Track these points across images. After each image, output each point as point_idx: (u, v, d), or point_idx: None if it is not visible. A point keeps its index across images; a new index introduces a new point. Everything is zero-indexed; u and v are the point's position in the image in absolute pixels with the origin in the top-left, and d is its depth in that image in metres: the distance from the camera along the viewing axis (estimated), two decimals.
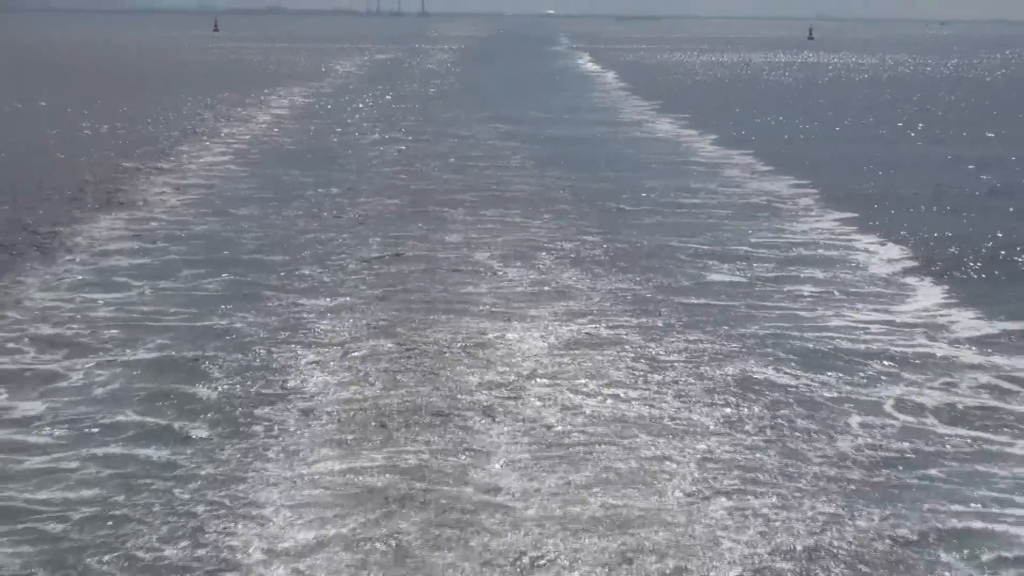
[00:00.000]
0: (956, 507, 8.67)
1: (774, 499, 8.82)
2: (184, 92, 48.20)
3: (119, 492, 8.94)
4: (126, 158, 28.38)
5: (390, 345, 12.93)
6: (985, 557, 7.95)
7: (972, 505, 8.70)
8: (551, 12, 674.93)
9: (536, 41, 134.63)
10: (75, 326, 13.62)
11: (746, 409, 10.88)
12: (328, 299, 14.87)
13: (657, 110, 43.96)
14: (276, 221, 20.45)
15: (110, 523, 8.41)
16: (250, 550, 7.94)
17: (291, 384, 11.59)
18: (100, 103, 42.95)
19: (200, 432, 10.32)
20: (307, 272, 16.49)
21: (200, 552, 7.91)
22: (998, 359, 12.44)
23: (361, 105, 45.69)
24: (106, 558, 7.84)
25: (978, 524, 8.41)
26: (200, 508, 8.63)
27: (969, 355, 12.61)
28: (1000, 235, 19.32)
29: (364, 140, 33.70)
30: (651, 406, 11.00)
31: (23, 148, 30.42)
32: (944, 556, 7.90)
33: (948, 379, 11.83)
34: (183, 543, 8.02)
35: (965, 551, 7.96)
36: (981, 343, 12.99)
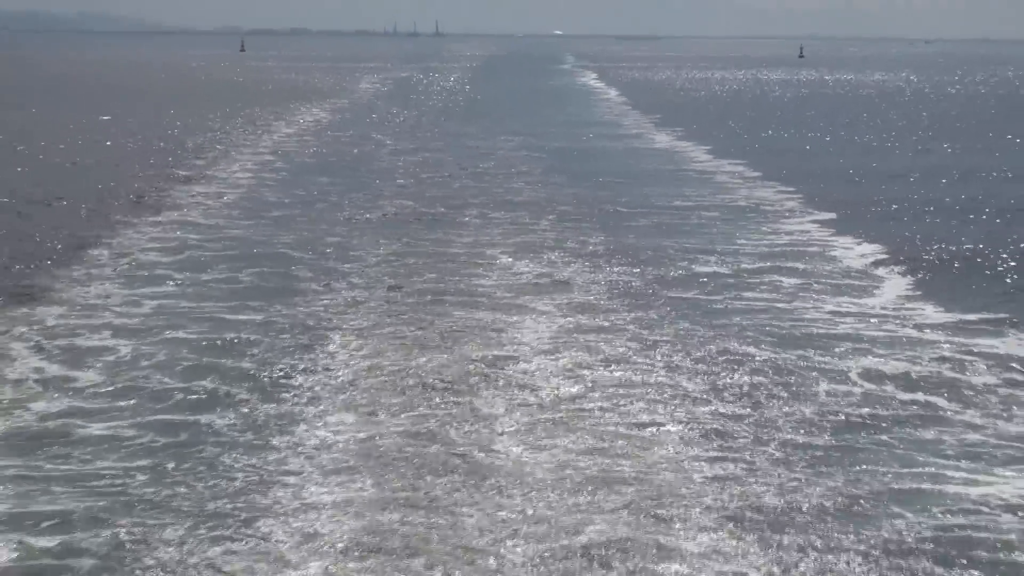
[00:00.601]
0: (910, 469, 9.04)
1: (748, 458, 9.27)
2: (216, 108, 48.01)
3: (167, 451, 9.36)
4: (165, 166, 28.59)
5: (407, 327, 13.27)
6: (934, 513, 8.27)
7: (925, 468, 9.05)
8: (558, 32, 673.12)
9: (544, 60, 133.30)
10: (126, 313, 13.95)
11: (727, 379, 11.34)
12: (350, 290, 15.19)
13: (656, 124, 43.72)
14: (302, 222, 20.65)
15: (160, 477, 8.84)
16: (282, 502, 8.36)
17: (319, 360, 11.98)
18: (141, 119, 43.00)
19: (238, 400, 10.73)
20: (331, 266, 16.77)
21: (238, 505, 8.31)
22: (955, 340, 12.79)
23: (380, 119, 45.49)
24: (156, 511, 8.23)
25: (928, 485, 8.74)
26: (237, 466, 9.07)
27: (929, 337, 12.98)
28: (964, 238, 19.50)
29: (383, 150, 33.64)
30: (642, 378, 11.40)
31: (70, 160, 30.54)
32: (897, 513, 8.22)
33: (909, 355, 12.24)
34: (223, 497, 8.45)
35: (917, 508, 8.30)
36: (941, 328, 13.35)
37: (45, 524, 8.05)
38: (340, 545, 7.74)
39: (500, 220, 20.94)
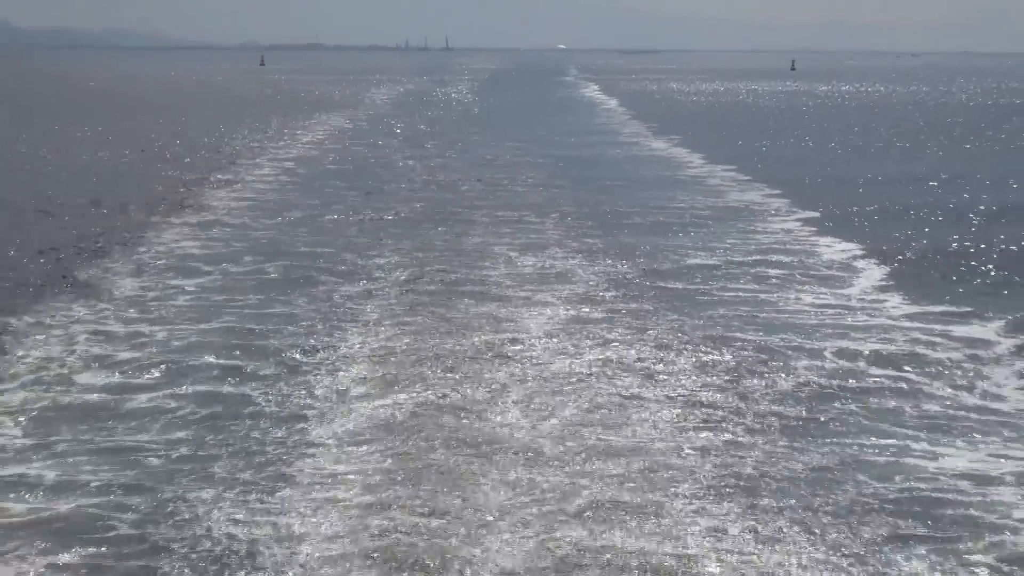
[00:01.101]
0: (876, 439, 9.44)
1: (730, 428, 9.68)
2: (239, 118, 47.99)
3: (204, 422, 9.76)
4: (197, 171, 28.74)
5: (420, 314, 13.59)
6: (896, 480, 8.61)
7: (890, 439, 9.44)
8: (562, 46, 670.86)
9: (548, 73, 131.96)
10: (165, 300, 14.34)
11: (714, 358, 11.72)
12: (368, 282, 15.45)
13: (653, 132, 43.46)
14: (321, 221, 20.90)
15: (197, 446, 9.22)
16: (305, 470, 8.73)
17: (339, 342, 12.33)
18: (172, 129, 43.05)
19: (266, 376, 11.11)
20: (348, 259, 17.04)
21: (268, 471, 8.70)
22: (922, 327, 13.12)
23: (394, 128, 45.36)
24: (192, 476, 8.62)
25: (892, 454, 9.10)
26: (267, 437, 9.45)
27: (899, 324, 13.32)
28: (935, 238, 19.62)
29: (396, 156, 33.65)
30: (636, 357, 11.79)
31: (114, 164, 30.83)
32: (861, 481, 8.57)
33: (881, 338, 12.62)
34: (252, 467, 8.82)
35: (881, 475, 8.67)
36: (910, 317, 13.66)
37: (94, 488, 8.40)
38: (355, 511, 8.04)
39: (507, 219, 21.10)
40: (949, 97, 76.61)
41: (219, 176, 27.93)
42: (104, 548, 7.53)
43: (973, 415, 10.06)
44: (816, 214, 21.84)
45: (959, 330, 12.89)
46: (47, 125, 43.42)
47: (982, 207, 22.95)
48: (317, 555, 7.39)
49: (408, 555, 7.42)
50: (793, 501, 8.18)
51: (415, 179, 28.01)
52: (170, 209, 22.33)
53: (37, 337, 12.35)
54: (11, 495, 8.26)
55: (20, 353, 11.75)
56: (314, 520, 7.86)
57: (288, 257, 17.37)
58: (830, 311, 13.99)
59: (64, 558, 7.35)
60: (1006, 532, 7.76)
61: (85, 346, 12.01)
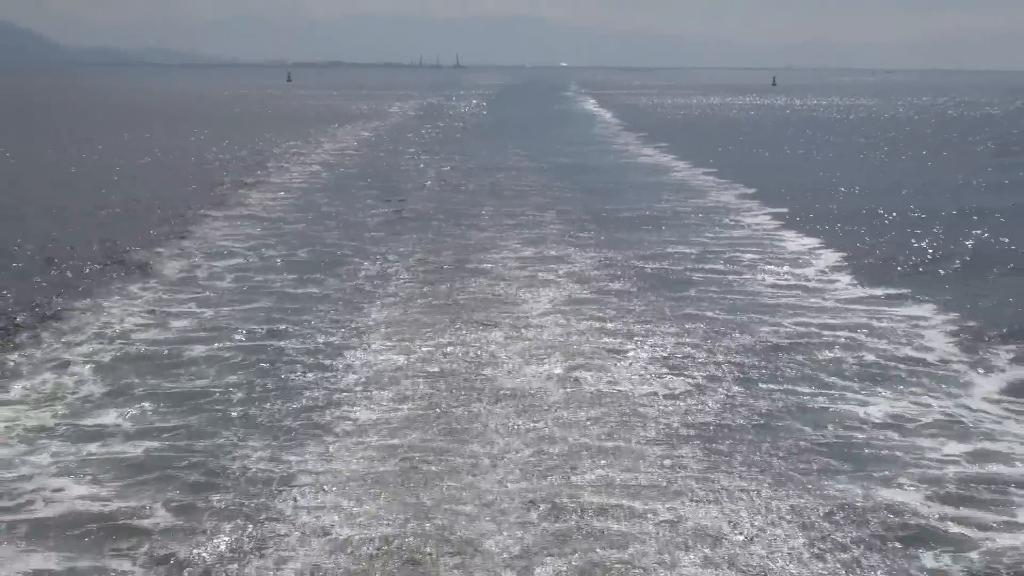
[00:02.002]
0: (818, 389, 10.12)
1: (696, 379, 10.40)
2: (272, 128, 48.29)
3: (249, 374, 10.39)
4: (236, 174, 29.21)
5: (433, 291, 14.27)
6: (828, 427, 9.15)
7: (830, 389, 10.14)
8: (564, 64, 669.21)
9: (550, 88, 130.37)
10: (208, 280, 15.07)
11: (686, 325, 12.45)
12: (387, 265, 16.13)
13: (643, 140, 43.54)
14: (347, 216, 21.51)
15: (247, 396, 9.84)
16: (335, 420, 9.26)
17: (362, 310, 13.15)
18: (212, 138, 43.30)
19: (301, 336, 11.78)
20: (370, 246, 17.79)
21: (306, 416, 9.29)
22: (867, 303, 13.91)
23: (409, 137, 45.46)
24: (242, 423, 9.19)
25: (829, 404, 9.75)
26: (302, 384, 10.11)
27: (847, 300, 14.11)
28: (885, 234, 20.00)
29: (412, 162, 33.93)
30: (618, 323, 12.53)
31: (162, 167, 31.54)
32: (805, 422, 9.24)
33: (831, 310, 13.45)
34: (291, 414, 9.38)
35: (811, 421, 9.28)
36: (858, 296, 14.42)
37: (160, 429, 8.99)
38: (376, 451, 8.59)
39: (510, 215, 21.63)
40: (912, 110, 76.20)
41: (256, 179, 28.35)
42: (169, 477, 8.08)
43: (902, 365, 10.89)
44: (784, 211, 22.33)
45: (898, 308, 13.56)
46: (103, 136, 44.04)
47: (926, 209, 23.22)
48: (348, 481, 7.96)
49: (422, 478, 8.04)
50: (744, 443, 8.77)
51: (428, 181, 28.39)
52: (215, 205, 22.90)
53: (111, 307, 13.15)
54: (92, 438, 8.85)
55: (95, 321, 12.52)
56: (345, 451, 8.48)
57: (317, 244, 18.10)
58: (789, 290, 14.72)
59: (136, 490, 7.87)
60: (924, 463, 8.41)
61: (143, 318, 12.72)
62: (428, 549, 6.94)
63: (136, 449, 8.61)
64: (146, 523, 7.35)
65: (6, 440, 8.74)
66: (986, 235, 19.47)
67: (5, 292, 13.95)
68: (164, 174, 29.99)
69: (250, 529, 7.21)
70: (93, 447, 8.63)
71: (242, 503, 7.60)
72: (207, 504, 7.60)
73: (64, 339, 11.70)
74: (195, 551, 6.92)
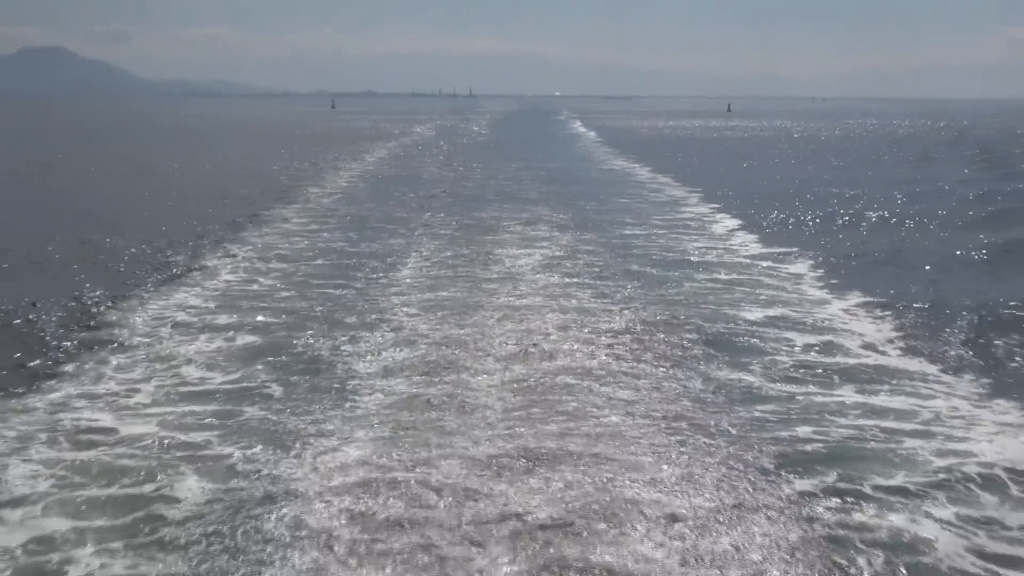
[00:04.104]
0: (724, 324, 10.94)
1: (656, 351, 9.90)
2: (322, 145, 48.65)
3: (296, 335, 10.36)
4: (293, 177, 30.16)
5: (450, 258, 15.45)
6: (718, 323, 10.38)
7: (737, 324, 10.93)
8: (558, 93, 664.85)
9: (545, 113, 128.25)
10: (280, 250, 16.18)
11: (634, 267, 14.07)
12: (415, 243, 17.22)
13: (616, 153, 44.11)
14: (383, 209, 22.43)
15: (268, 367, 9.29)
16: (365, 370, 9.04)
17: (396, 268, 14.42)
18: (274, 152, 43.94)
19: (352, 284, 13.01)
20: (402, 230, 18.76)
21: (331, 374, 9.01)
22: (765, 259, 15.32)
23: (431, 151, 45.74)
24: (268, 388, 8.65)
25: (733, 332, 10.88)
26: (325, 353, 9.72)
27: (749, 256, 15.51)
28: (789, 215, 21.23)
29: (433, 169, 34.57)
30: (585, 279, 13.72)
31: (242, 173, 32.68)
32: (743, 408, 8.20)
33: (735, 263, 14.86)
34: (327, 372, 9.10)
35: (752, 399, 8.45)
36: (759, 253, 15.82)
37: (218, 384, 8.71)
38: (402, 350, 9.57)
39: (511, 208, 22.28)
40: (842, 130, 76.21)
41: (310, 181, 29.17)
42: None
43: (785, 306, 12.19)
44: (718, 204, 23.52)
45: (788, 263, 15.18)
46: (193, 149, 44.94)
47: (822, 199, 24.63)
48: (369, 414, 7.92)
49: (432, 403, 8.13)
50: (691, 409, 8.17)
51: (446, 183, 29.05)
52: (279, 200, 24.01)
53: (217, 266, 14.52)
54: (177, 381, 8.77)
55: (203, 281, 13.73)
56: (364, 415, 7.99)
57: (360, 226, 19.32)
58: (711, 252, 16.27)
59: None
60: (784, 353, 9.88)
61: (202, 300, 12.44)
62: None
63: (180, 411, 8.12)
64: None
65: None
66: (861, 211, 21.22)
67: (160, 253, 15.36)
68: (243, 177, 30.84)
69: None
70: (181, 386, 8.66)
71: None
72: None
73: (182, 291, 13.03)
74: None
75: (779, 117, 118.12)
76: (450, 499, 6.31)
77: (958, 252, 16.20)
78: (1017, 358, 9.76)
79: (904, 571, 5.57)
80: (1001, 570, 5.64)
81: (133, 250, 16.00)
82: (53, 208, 22.85)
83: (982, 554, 5.80)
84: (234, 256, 15.66)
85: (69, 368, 9.17)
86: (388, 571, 5.44)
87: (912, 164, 37.91)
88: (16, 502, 6.29)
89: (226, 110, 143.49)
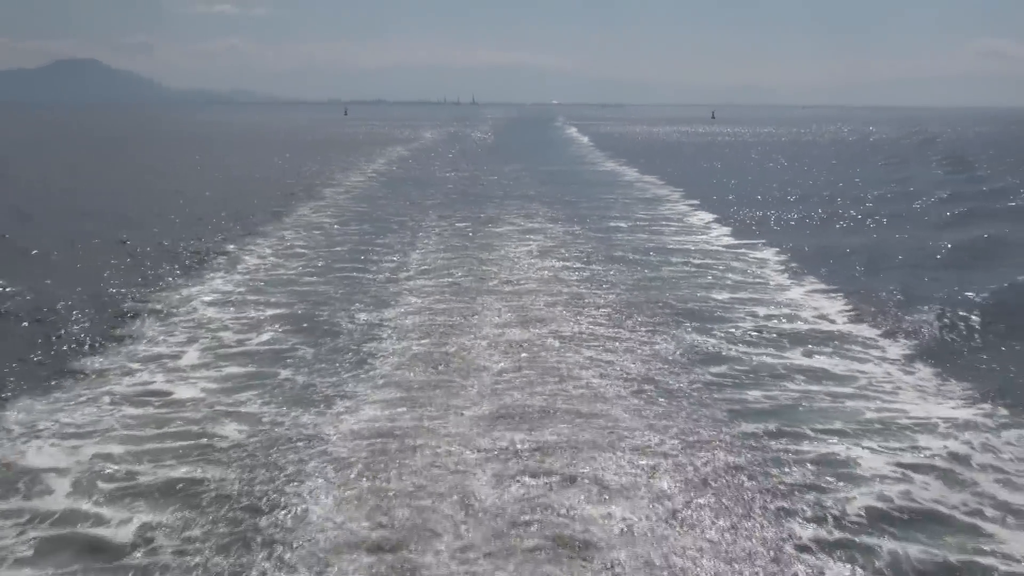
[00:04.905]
0: (695, 303, 11.63)
1: (635, 322, 10.47)
2: (338, 148, 48.90)
3: (321, 312, 10.94)
4: (311, 178, 30.45)
5: (452, 242, 16.10)
6: (690, 302, 10.94)
7: (705, 303, 11.67)
8: (555, 101, 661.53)
9: (543, 120, 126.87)
10: (299, 241, 16.66)
11: (617, 253, 14.62)
12: (423, 235, 17.74)
13: (607, 156, 44.25)
14: (395, 205, 22.98)
15: (288, 346, 9.60)
16: (367, 355, 9.14)
17: (404, 256, 15.02)
18: (294, 156, 44.31)
19: (365, 268, 13.62)
20: (411, 223, 19.33)
21: (352, 352, 9.26)
22: (735, 248, 15.91)
23: (437, 154, 45.86)
24: (289, 367, 8.77)
25: (705, 308, 11.57)
26: (345, 323, 10.29)
27: (721, 246, 16.16)
28: (758, 209, 21.82)
29: (439, 170, 34.83)
30: (572, 259, 14.46)
31: (264, 174, 32.77)
32: (703, 369, 8.77)
33: (709, 252, 15.44)
34: (347, 349, 9.40)
35: (712, 361, 9.04)
36: (729, 244, 16.41)
37: (244, 371, 8.75)
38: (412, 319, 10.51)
39: (511, 204, 22.74)
40: (822, 136, 76.47)
41: (326, 181, 29.40)
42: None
43: (750, 288, 12.84)
44: (697, 201, 23.98)
45: (757, 250, 15.87)
46: (217, 153, 45.33)
47: (791, 196, 25.15)
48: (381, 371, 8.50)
49: (438, 366, 8.65)
50: (663, 373, 8.64)
51: (450, 183, 29.32)
52: (301, 196, 24.54)
53: (246, 254, 15.17)
54: (206, 353, 9.21)
55: (234, 266, 14.35)
56: (378, 382, 8.35)
57: (374, 220, 19.90)
58: (686, 241, 16.91)
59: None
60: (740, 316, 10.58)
61: (273, 256, 14.59)
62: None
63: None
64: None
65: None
66: (834, 209, 21.79)
67: (194, 239, 15.91)
68: (265, 178, 30.99)
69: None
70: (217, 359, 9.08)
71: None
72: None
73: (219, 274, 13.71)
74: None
75: (761, 124, 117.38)
76: (456, 446, 6.79)
77: (922, 248, 16.40)
78: (957, 337, 10.10)
79: (832, 480, 6.37)
80: (915, 476, 6.46)
81: (166, 243, 16.34)
82: (92, 209, 23.07)
83: (900, 464, 6.64)
84: (260, 246, 16.25)
85: (128, 339, 9.86)
86: (399, 504, 5.88)
87: (885, 167, 38.09)
88: (88, 435, 7.11)
89: (246, 117, 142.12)
